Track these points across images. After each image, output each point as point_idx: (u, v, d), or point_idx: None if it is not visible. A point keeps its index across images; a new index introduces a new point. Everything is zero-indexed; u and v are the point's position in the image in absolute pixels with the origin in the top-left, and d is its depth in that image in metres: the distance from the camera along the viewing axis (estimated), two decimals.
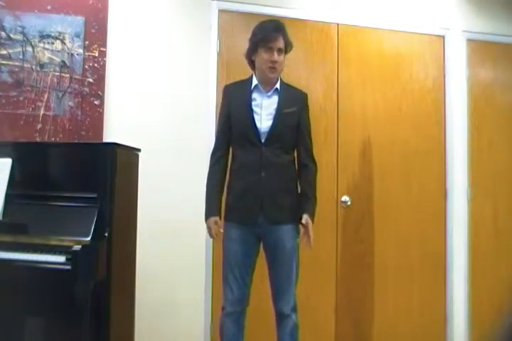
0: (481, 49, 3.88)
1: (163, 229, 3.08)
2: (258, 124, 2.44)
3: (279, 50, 2.46)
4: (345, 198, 3.50)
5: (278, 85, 2.52)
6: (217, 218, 2.45)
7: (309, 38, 3.53)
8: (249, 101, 2.47)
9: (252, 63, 2.54)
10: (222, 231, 2.47)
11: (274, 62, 2.45)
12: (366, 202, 3.56)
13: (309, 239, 2.44)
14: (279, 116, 2.45)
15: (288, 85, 2.58)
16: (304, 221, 2.43)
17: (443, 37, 3.80)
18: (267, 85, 2.50)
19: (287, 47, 2.51)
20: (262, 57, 2.46)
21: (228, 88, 2.62)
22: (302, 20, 3.51)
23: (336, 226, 3.49)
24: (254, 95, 2.49)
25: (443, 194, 3.72)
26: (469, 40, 3.85)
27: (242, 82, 2.61)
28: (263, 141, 2.43)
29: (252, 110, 2.45)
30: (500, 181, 3.82)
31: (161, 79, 3.23)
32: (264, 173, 2.40)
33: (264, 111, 2.46)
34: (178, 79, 3.26)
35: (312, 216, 2.48)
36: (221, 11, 3.35)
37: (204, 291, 3.18)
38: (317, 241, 3.44)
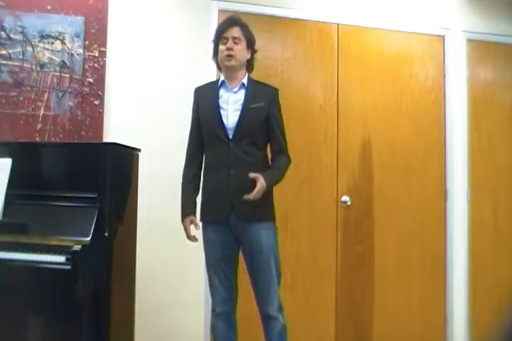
0: (481, 49, 3.88)
1: (163, 229, 3.08)
2: (225, 120, 2.41)
3: (235, 39, 2.45)
4: (345, 198, 3.50)
5: (245, 81, 2.50)
6: (192, 217, 2.43)
7: (309, 38, 3.53)
8: (216, 98, 2.46)
9: (218, 65, 2.55)
10: (199, 229, 2.42)
11: (229, 49, 2.44)
12: (366, 202, 3.55)
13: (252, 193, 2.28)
14: (245, 111, 2.41)
15: (257, 81, 2.56)
16: (252, 176, 2.29)
17: (443, 37, 3.80)
18: (232, 81, 2.48)
19: (250, 41, 2.50)
20: (220, 49, 2.47)
21: (198, 89, 2.61)
22: (302, 20, 3.51)
23: (336, 226, 3.48)
24: (221, 92, 2.48)
25: (443, 194, 3.72)
26: (469, 40, 3.85)
27: (211, 82, 2.64)
28: (230, 137, 2.39)
29: (218, 106, 2.44)
30: (500, 181, 3.82)
31: (161, 79, 3.23)
32: (232, 171, 2.36)
33: (231, 106, 2.43)
34: (177, 79, 3.26)
35: (268, 179, 2.32)
36: (221, 11, 3.35)
37: (204, 291, 3.17)
38: (317, 241, 3.46)
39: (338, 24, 3.58)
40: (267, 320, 2.40)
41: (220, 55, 2.48)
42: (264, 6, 3.39)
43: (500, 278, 3.68)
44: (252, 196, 2.28)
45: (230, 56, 2.44)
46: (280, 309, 2.40)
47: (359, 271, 3.51)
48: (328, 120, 3.53)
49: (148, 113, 3.18)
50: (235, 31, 2.45)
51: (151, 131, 3.15)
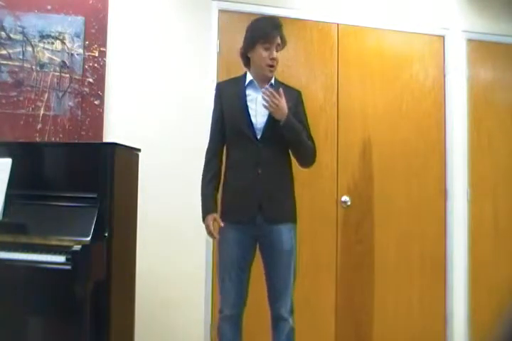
0: (481, 49, 3.88)
1: (164, 228, 3.08)
2: (253, 120, 2.40)
3: (277, 47, 2.44)
4: (345, 198, 3.49)
5: (273, 81, 2.49)
6: (215, 214, 2.40)
7: (309, 38, 3.53)
8: (243, 96, 2.44)
9: (247, 60, 2.51)
10: (222, 226, 2.38)
11: (273, 59, 2.42)
12: (366, 202, 3.55)
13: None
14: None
15: (281, 82, 2.55)
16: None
17: (443, 37, 3.80)
18: (262, 81, 2.47)
19: (282, 44, 2.49)
20: (261, 54, 2.42)
21: (220, 85, 2.59)
22: (302, 20, 3.51)
23: (336, 226, 3.48)
24: (249, 91, 2.46)
25: (443, 194, 3.72)
26: (469, 40, 3.85)
27: (235, 79, 2.58)
28: (259, 137, 2.38)
29: (247, 106, 2.42)
30: (500, 181, 3.82)
31: (161, 79, 3.23)
32: (261, 170, 2.36)
33: (260, 106, 2.40)
34: (178, 79, 3.26)
35: (292, 117, 2.36)
36: (221, 11, 3.35)
37: (204, 291, 3.18)
38: (317, 241, 3.45)
39: (338, 24, 3.58)
40: (277, 321, 2.39)
41: (260, 62, 2.44)
42: (264, 6, 3.39)
43: (500, 278, 3.68)
44: (268, 89, 2.31)
45: (272, 66, 2.43)
46: (292, 311, 2.39)
47: (359, 271, 3.51)
48: (328, 120, 3.53)
49: (148, 113, 3.18)
50: (278, 39, 2.44)
51: (151, 131, 3.15)
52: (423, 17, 3.77)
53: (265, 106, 2.34)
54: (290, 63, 3.47)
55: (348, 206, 3.50)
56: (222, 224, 2.38)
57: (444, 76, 3.78)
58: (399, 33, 3.71)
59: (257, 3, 3.39)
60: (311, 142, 2.51)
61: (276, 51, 2.44)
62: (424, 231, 3.65)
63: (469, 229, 3.72)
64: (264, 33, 2.42)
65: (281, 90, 2.35)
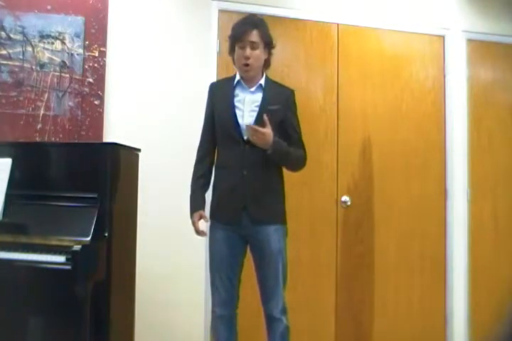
0: (481, 49, 3.88)
1: (163, 228, 3.08)
2: (240, 120, 2.37)
3: (252, 44, 2.37)
4: (345, 198, 3.49)
5: (262, 81, 2.46)
6: (201, 211, 2.39)
7: (309, 38, 3.53)
8: (231, 96, 2.42)
9: (234, 61, 2.51)
10: (208, 221, 2.39)
11: (247, 58, 2.37)
12: (366, 202, 3.55)
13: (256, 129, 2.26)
14: (262, 113, 2.35)
15: (274, 82, 2.52)
16: (265, 118, 2.28)
17: (443, 37, 3.80)
18: (249, 81, 2.45)
19: (268, 43, 2.43)
20: (237, 54, 2.41)
21: (213, 85, 2.59)
22: (302, 20, 3.51)
23: (336, 226, 3.48)
24: (237, 91, 2.44)
25: (443, 194, 3.72)
26: (469, 40, 3.85)
27: (226, 79, 2.58)
28: (245, 138, 2.36)
29: (234, 106, 2.40)
30: (500, 181, 3.82)
31: (161, 79, 3.23)
32: (246, 172, 2.34)
33: (247, 107, 2.39)
34: (178, 79, 3.26)
35: (277, 140, 2.31)
36: (221, 11, 3.35)
37: (204, 291, 3.17)
38: (317, 241, 3.46)
39: (338, 24, 3.58)
40: (270, 321, 2.40)
41: (236, 60, 2.43)
42: (264, 6, 3.39)
43: (500, 278, 3.68)
44: (251, 127, 2.24)
45: (247, 65, 2.39)
46: (284, 311, 2.39)
47: (359, 270, 3.51)
48: (328, 120, 3.53)
49: (148, 113, 3.18)
50: (253, 35, 2.38)
51: (151, 131, 3.15)
52: (423, 17, 3.77)
53: (249, 139, 2.32)
54: (290, 63, 3.47)
55: (348, 206, 3.50)
56: (207, 220, 2.39)
57: (444, 76, 3.78)
58: (399, 33, 3.71)
59: (257, 3, 3.39)
60: (301, 149, 2.48)
61: (253, 49, 2.38)
62: (424, 231, 3.65)
63: (469, 229, 3.72)
64: (236, 32, 2.42)
65: (265, 117, 2.30)
